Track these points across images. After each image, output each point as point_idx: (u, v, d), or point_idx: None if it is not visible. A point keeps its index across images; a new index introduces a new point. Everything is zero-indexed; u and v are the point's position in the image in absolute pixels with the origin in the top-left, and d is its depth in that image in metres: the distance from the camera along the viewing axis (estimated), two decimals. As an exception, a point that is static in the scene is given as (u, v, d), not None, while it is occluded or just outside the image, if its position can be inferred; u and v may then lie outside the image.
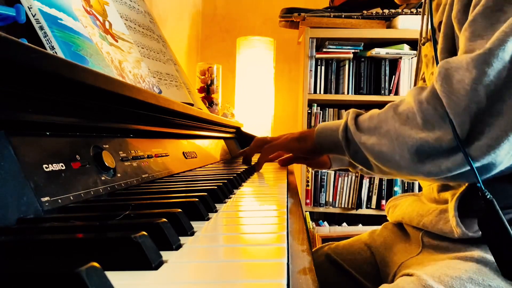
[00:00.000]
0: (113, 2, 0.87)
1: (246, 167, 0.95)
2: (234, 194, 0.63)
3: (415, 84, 0.84)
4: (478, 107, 0.54)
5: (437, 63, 0.66)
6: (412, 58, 2.09)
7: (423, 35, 0.79)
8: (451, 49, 0.67)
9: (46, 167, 0.41)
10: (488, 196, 0.55)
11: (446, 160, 0.57)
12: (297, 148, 0.85)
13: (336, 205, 2.15)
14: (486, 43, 0.55)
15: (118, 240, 0.28)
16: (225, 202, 0.55)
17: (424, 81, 0.80)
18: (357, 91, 2.13)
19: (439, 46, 0.68)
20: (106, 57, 0.69)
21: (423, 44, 0.79)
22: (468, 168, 0.56)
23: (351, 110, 0.74)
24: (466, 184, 0.64)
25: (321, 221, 2.18)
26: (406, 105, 0.63)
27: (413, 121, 0.60)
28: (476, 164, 0.56)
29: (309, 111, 2.14)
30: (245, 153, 1.01)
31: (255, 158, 1.01)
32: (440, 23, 0.70)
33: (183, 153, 0.91)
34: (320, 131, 0.78)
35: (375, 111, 0.70)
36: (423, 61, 0.81)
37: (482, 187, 0.56)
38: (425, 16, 0.78)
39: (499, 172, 0.58)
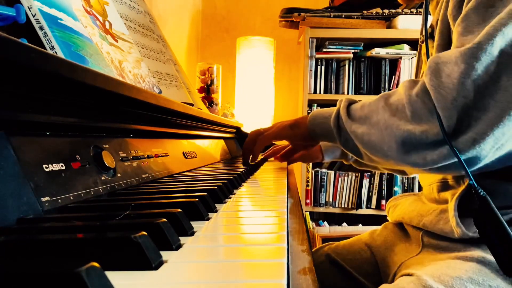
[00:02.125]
0: (113, 2, 0.87)
1: (246, 167, 0.95)
2: (234, 194, 0.63)
3: None
4: (465, 101, 0.54)
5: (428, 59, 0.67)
6: (412, 58, 2.09)
7: (423, 33, 0.79)
8: (447, 46, 0.67)
9: (46, 167, 0.41)
10: (481, 193, 0.55)
11: (432, 152, 0.58)
12: (290, 135, 0.85)
13: (336, 205, 2.15)
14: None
15: (118, 240, 0.28)
16: (225, 202, 0.55)
17: None
18: (357, 91, 2.13)
19: (435, 44, 0.69)
20: (106, 57, 0.69)
21: (423, 43, 0.79)
22: (454, 160, 0.57)
23: (344, 98, 0.74)
24: (466, 184, 0.64)
25: (321, 221, 2.18)
26: (397, 97, 0.63)
27: (402, 113, 0.61)
28: (461, 157, 0.56)
29: (309, 111, 2.14)
30: (244, 150, 1.01)
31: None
32: (438, 20, 0.70)
33: (183, 153, 0.91)
34: (314, 118, 0.79)
35: (367, 100, 0.70)
36: (422, 59, 0.81)
37: (475, 184, 0.56)
38: (424, 15, 0.78)
39: (484, 167, 0.58)
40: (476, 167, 0.58)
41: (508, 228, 0.53)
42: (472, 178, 0.56)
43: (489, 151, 0.55)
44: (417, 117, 0.59)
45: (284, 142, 1.04)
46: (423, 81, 0.59)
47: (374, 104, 0.67)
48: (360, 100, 0.73)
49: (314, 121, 0.79)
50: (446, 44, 0.67)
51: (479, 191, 0.55)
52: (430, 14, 0.78)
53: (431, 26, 0.74)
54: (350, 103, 0.73)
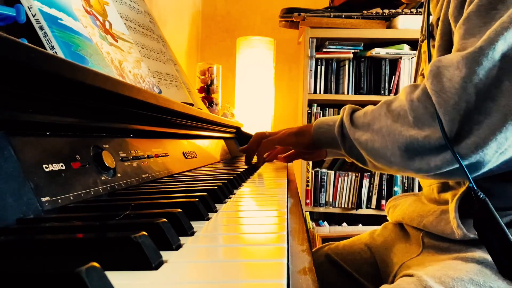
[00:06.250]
0: (113, 2, 0.87)
1: (246, 167, 0.95)
2: (234, 194, 0.63)
3: (414, 81, 0.84)
4: (467, 106, 0.54)
5: (430, 59, 0.67)
6: (412, 58, 2.09)
7: (423, 32, 0.79)
8: (448, 47, 0.67)
9: (46, 167, 0.41)
10: (481, 196, 0.55)
11: (435, 157, 0.58)
12: (295, 142, 0.86)
13: (336, 205, 2.15)
14: (478, 41, 0.55)
15: (118, 240, 0.28)
16: (225, 202, 0.55)
17: (424, 77, 0.80)
18: (357, 91, 2.13)
19: (436, 44, 0.69)
20: (106, 57, 0.69)
21: (422, 42, 0.79)
22: (457, 165, 0.56)
23: (348, 106, 0.75)
24: (467, 185, 0.64)
25: (321, 221, 2.17)
26: (398, 103, 0.63)
27: (404, 118, 0.61)
28: (465, 162, 0.56)
29: (309, 111, 2.14)
30: (245, 150, 1.01)
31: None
32: (438, 19, 0.70)
33: (183, 153, 0.91)
34: (318, 127, 0.79)
35: (370, 107, 0.71)
36: (422, 58, 0.81)
37: (474, 187, 0.55)
38: (425, 13, 0.78)
39: (489, 171, 0.58)
40: (480, 172, 0.57)
41: (507, 231, 0.53)
42: (472, 181, 0.56)
43: (492, 156, 0.55)
44: (419, 122, 0.58)
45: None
46: (424, 86, 0.59)
47: (377, 110, 0.67)
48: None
49: (318, 129, 0.79)
50: (447, 45, 0.67)
51: (479, 194, 0.55)
52: (430, 14, 0.78)
53: (431, 24, 0.74)
54: (354, 110, 0.74)
